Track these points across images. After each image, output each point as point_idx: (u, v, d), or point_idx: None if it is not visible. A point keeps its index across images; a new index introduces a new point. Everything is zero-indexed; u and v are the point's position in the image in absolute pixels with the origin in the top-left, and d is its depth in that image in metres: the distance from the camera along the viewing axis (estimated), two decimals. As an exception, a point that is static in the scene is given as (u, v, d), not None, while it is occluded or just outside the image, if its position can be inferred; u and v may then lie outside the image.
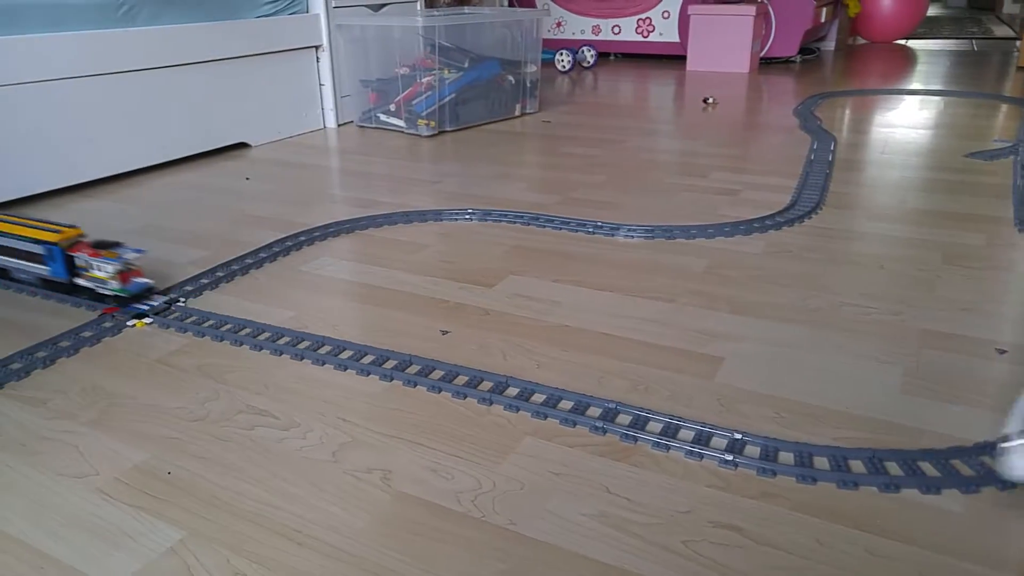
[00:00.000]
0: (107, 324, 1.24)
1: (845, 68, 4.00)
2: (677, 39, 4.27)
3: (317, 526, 0.79)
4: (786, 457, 0.86)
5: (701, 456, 0.87)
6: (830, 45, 4.88)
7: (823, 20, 4.27)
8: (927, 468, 0.84)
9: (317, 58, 2.72)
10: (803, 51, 4.34)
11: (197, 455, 0.91)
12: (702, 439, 0.89)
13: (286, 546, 0.76)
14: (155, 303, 1.30)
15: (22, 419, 0.99)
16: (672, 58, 4.45)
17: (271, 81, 2.56)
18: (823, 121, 2.68)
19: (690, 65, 4.12)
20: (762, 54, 4.16)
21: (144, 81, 2.16)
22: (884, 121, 2.68)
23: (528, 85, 2.95)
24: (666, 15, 4.26)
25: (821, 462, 0.85)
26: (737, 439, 0.89)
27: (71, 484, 0.86)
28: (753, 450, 0.88)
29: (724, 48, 3.98)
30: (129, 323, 1.25)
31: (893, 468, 0.84)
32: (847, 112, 2.87)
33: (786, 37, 4.08)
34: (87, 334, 1.21)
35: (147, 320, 1.26)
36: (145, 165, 2.23)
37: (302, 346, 1.15)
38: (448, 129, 2.69)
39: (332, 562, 0.74)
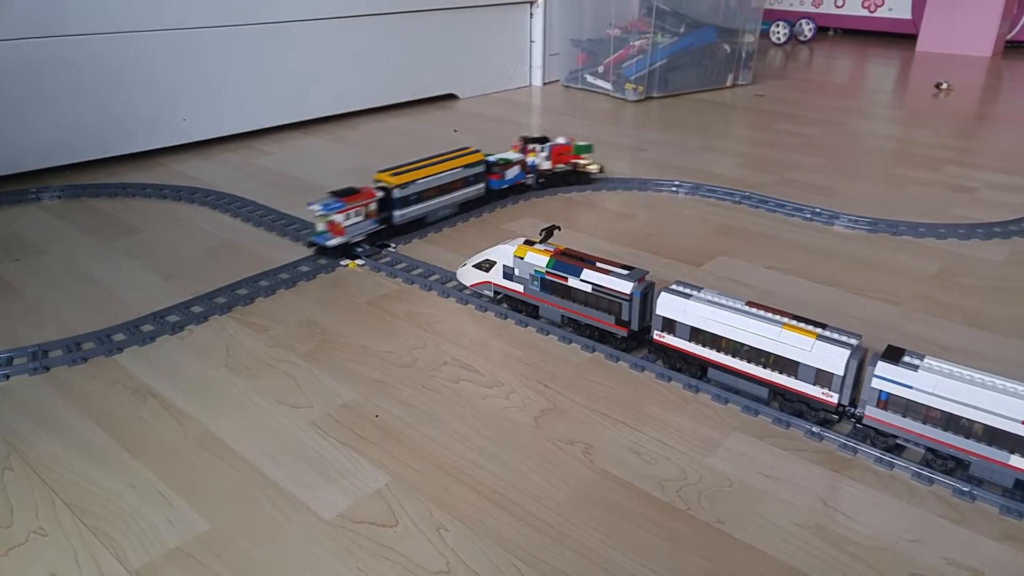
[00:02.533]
0: (322, 261, 1.30)
1: (1106, 59, 3.55)
2: (909, 15, 3.94)
3: (519, 491, 0.79)
4: (1032, 497, 0.77)
5: (931, 480, 0.80)
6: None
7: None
8: None
9: (531, 14, 2.71)
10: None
11: (404, 401, 0.93)
12: (931, 461, 0.82)
13: (487, 507, 0.77)
14: (368, 245, 1.34)
15: (248, 344, 1.06)
16: (900, 36, 4.11)
17: (484, 34, 2.59)
18: (1080, 117, 2.39)
19: (921, 45, 3.79)
20: (1009, 36, 3.76)
21: (365, 27, 2.24)
22: None
23: (743, 56, 2.82)
24: (899, -12, 3.94)
25: (1076, 508, 0.76)
26: (973, 468, 0.81)
27: (289, 413, 0.91)
28: (994, 485, 0.79)
29: (965, 27, 3.63)
30: (342, 263, 1.30)
31: None
32: (1108, 110, 2.55)
33: (1040, 19, 3.67)
34: (304, 268, 1.27)
35: (359, 262, 1.30)
36: (361, 108, 2.31)
37: (506, 305, 1.15)
38: (655, 95, 2.62)
39: (532, 530, 0.74)
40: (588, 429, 0.88)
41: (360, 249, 1.33)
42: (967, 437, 0.78)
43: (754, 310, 0.92)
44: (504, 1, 2.59)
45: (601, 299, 1.02)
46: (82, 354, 1.01)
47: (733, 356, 0.92)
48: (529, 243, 1.11)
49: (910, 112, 2.53)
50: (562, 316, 1.08)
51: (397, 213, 1.37)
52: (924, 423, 0.80)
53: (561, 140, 1.62)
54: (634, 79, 2.56)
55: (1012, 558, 0.71)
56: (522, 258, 1.09)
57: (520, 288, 1.10)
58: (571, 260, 1.06)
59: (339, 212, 1.27)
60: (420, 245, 1.39)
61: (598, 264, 1.04)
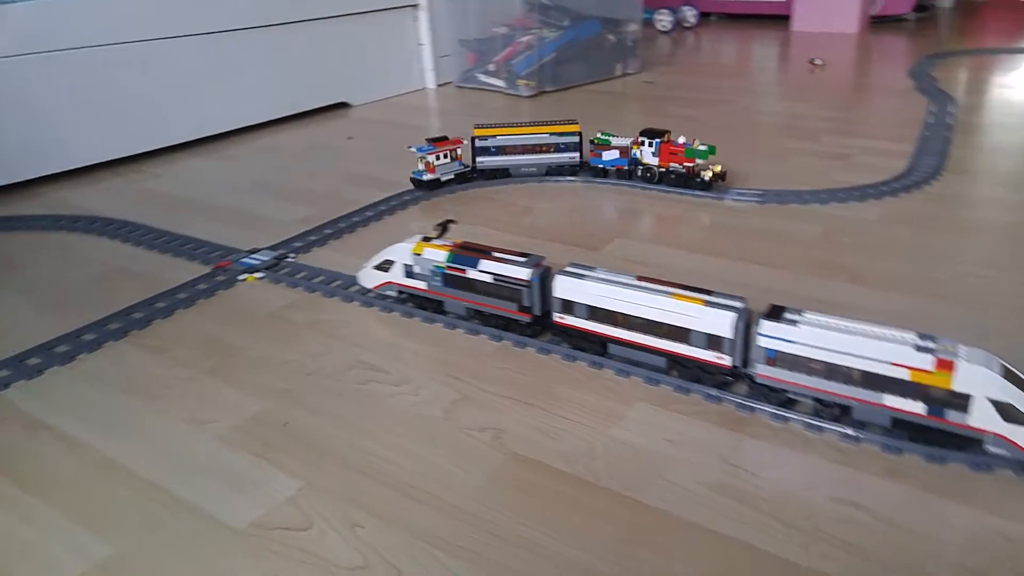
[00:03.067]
0: (220, 278, 1.27)
1: (964, 26, 3.78)
2: (783, -3, 4.10)
3: (432, 482, 0.79)
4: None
5: (821, 429, 0.84)
6: (946, 2, 4.61)
7: (942, -25, 4.02)
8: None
9: (415, 17, 2.72)
10: (918, 8, 4.10)
11: (312, 408, 0.93)
12: (819, 412, 0.86)
13: (401, 501, 0.77)
14: (265, 258, 1.33)
15: (147, 366, 1.03)
16: (776, 18, 4.27)
17: (371, 41, 2.58)
18: (940, 82, 2.53)
19: (796, 25, 3.96)
20: (873, 13, 3.96)
21: (249, 40, 2.20)
22: (1008, 82, 2.52)
23: (629, 45, 2.88)
24: (772, -28, 4.10)
25: (952, 441, 0.81)
26: (860, 413, 0.86)
27: (194, 431, 0.89)
28: (874, 425, 0.84)
29: (833, 7, 3.80)
30: (240, 277, 1.28)
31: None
32: (967, 73, 2.71)
33: (901, -7, 3.87)
34: (202, 287, 1.24)
35: (258, 275, 1.29)
36: (251, 123, 2.28)
37: (411, 304, 1.15)
38: (548, 89, 2.66)
39: (448, 519, 0.74)
40: (498, 415, 0.90)
41: (258, 262, 1.31)
42: (847, 383, 0.82)
43: (645, 284, 0.95)
44: (387, 6, 2.59)
45: (502, 288, 1.04)
46: (-32, 394, 0.97)
47: (629, 330, 0.95)
48: (427, 239, 1.12)
49: (789, 88, 2.64)
50: (467, 309, 1.09)
51: (479, 160, 1.68)
52: (809, 375, 0.84)
53: (681, 140, 1.58)
54: (525, 75, 2.59)
55: (893, 490, 0.76)
56: (421, 255, 1.10)
57: (423, 285, 1.11)
58: (469, 252, 1.07)
59: (431, 154, 1.60)
60: (320, 252, 1.38)
61: (495, 254, 1.05)
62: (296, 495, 0.79)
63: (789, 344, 0.84)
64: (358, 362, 1.02)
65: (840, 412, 0.84)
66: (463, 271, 1.07)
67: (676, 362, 0.94)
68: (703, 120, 2.20)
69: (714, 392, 0.90)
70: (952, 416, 0.78)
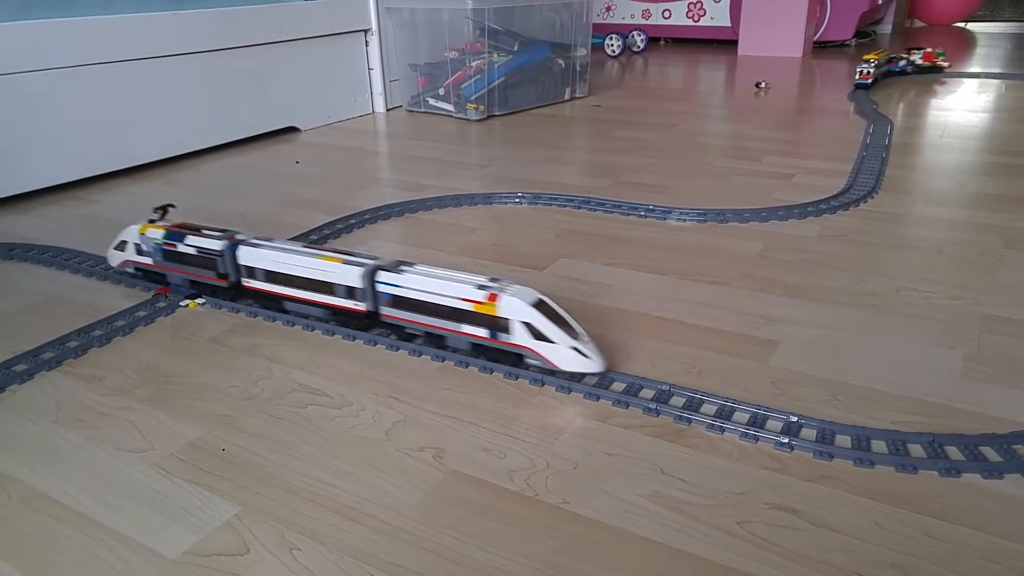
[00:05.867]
0: (160, 304, 1.26)
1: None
2: (728, 23, 4.20)
3: (371, 503, 0.79)
4: (843, 440, 0.84)
5: (756, 438, 0.85)
6: (887, 28, 4.77)
7: (880, 2, 4.16)
8: (989, 453, 0.82)
9: (366, 42, 2.73)
10: (859, 34, 4.23)
11: (251, 432, 0.92)
12: (757, 421, 0.88)
13: (340, 522, 0.77)
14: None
15: (80, 395, 1.01)
16: (723, 43, 4.37)
17: (320, 65, 2.58)
18: (879, 105, 2.61)
19: (741, 50, 4.05)
20: (816, 38, 4.07)
21: (194, 64, 2.19)
22: (943, 105, 2.61)
23: (578, 69, 2.93)
24: (717, -1, 4.20)
25: (879, 446, 0.83)
26: (793, 422, 0.87)
27: (129, 459, 0.88)
28: (809, 433, 0.86)
29: (777, 32, 3.91)
30: (182, 303, 1.26)
31: (954, 452, 0.82)
32: (904, 96, 2.79)
33: (842, 20, 3.99)
34: (141, 313, 1.23)
35: (199, 300, 1.27)
36: (196, 149, 2.26)
37: (354, 326, 1.15)
38: (497, 113, 2.68)
39: (386, 538, 0.74)
40: (438, 434, 0.90)
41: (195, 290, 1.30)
42: (440, 317, 1.03)
43: (306, 248, 1.15)
44: (338, 31, 2.60)
45: (203, 258, 1.22)
46: None
47: (296, 288, 1.15)
48: (151, 221, 1.29)
49: (734, 110, 2.70)
50: (182, 279, 1.27)
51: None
52: (415, 313, 1.05)
53: (928, 49, 3.14)
54: (474, 99, 2.61)
55: (824, 494, 0.77)
56: (145, 234, 1.27)
57: (150, 260, 1.29)
58: (179, 230, 1.25)
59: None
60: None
61: (202, 231, 1.24)
62: (233, 520, 0.78)
63: (398, 288, 1.05)
64: (299, 386, 1.01)
65: (440, 340, 1.05)
66: (175, 246, 1.25)
67: (339, 313, 1.13)
68: (649, 142, 2.24)
69: (652, 406, 0.91)
70: (503, 337, 0.98)
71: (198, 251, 1.21)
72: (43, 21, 1.83)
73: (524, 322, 0.96)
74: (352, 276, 1.08)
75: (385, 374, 1.03)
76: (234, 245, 1.19)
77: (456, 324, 1.01)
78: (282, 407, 0.97)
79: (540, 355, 0.96)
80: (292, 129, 2.55)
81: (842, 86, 3.04)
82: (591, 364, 0.95)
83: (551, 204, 1.70)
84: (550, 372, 0.99)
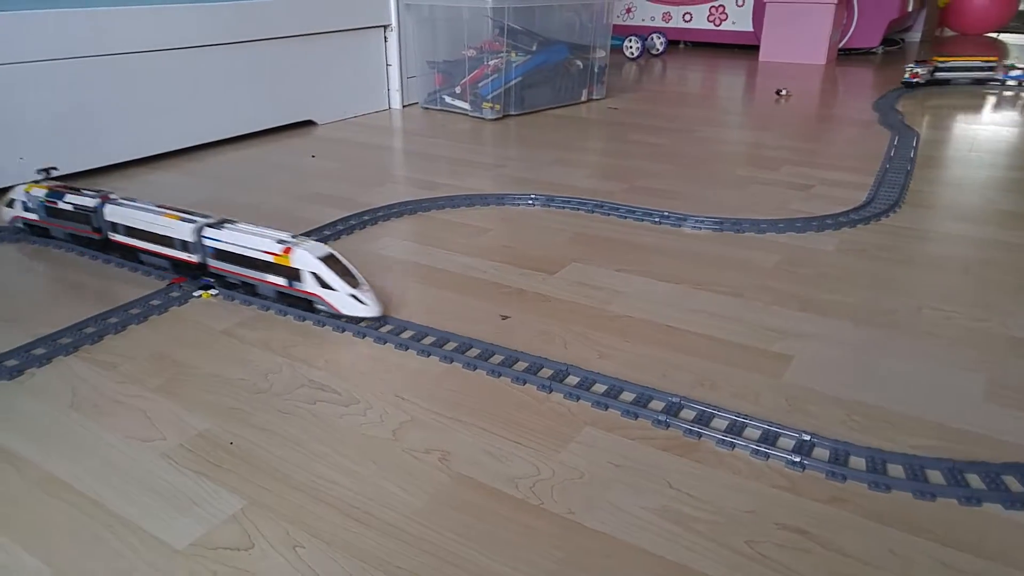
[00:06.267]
0: (174, 294, 1.26)
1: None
2: (751, 28, 4.18)
3: (375, 503, 0.79)
4: (857, 462, 0.83)
5: (767, 456, 0.85)
6: (916, 36, 4.72)
7: (910, 9, 4.11)
8: (1011, 482, 0.80)
9: (385, 38, 2.73)
10: (886, 42, 4.19)
11: (259, 426, 0.92)
12: (769, 438, 0.87)
13: (344, 522, 0.76)
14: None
15: (95, 382, 1.02)
16: (744, 48, 4.35)
17: (339, 60, 2.58)
18: (905, 116, 2.59)
19: (763, 55, 4.03)
20: (841, 45, 4.04)
21: (213, 57, 2.19)
22: (972, 118, 2.58)
23: (596, 71, 2.91)
24: (740, 3, 4.18)
25: (896, 470, 0.82)
26: (805, 440, 0.86)
27: (139, 447, 0.88)
28: (822, 453, 0.85)
29: (801, 38, 3.88)
30: (195, 294, 1.27)
31: (974, 480, 0.80)
32: (932, 107, 2.77)
33: (869, 27, 3.95)
34: (156, 302, 1.23)
35: (213, 292, 1.27)
36: (213, 139, 2.26)
37: (364, 324, 1.15)
38: (513, 113, 2.67)
39: (390, 540, 0.74)
40: (445, 437, 0.89)
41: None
42: (252, 268, 1.19)
43: (156, 207, 1.29)
44: (358, 26, 2.60)
45: (80, 215, 1.37)
46: (-94, 407, 0.95)
47: (147, 242, 1.30)
48: (36, 182, 1.45)
49: (753, 117, 2.68)
50: (64, 233, 1.43)
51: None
52: (233, 264, 1.21)
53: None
54: (491, 98, 2.61)
55: (836, 517, 0.76)
56: (31, 192, 1.43)
57: (36, 216, 1.45)
58: (60, 188, 1.41)
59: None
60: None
61: (81, 191, 1.38)
62: (238, 514, 0.78)
63: (219, 243, 1.20)
64: (308, 381, 1.01)
65: (253, 289, 1.21)
66: (55, 203, 1.40)
67: (176, 264, 1.29)
68: (665, 147, 2.23)
69: (662, 418, 0.90)
70: (297, 285, 1.14)
71: (75, 207, 1.37)
72: (66, 10, 1.84)
73: (312, 272, 1.12)
74: (185, 231, 1.23)
75: (393, 373, 1.03)
76: (103, 203, 1.34)
77: (262, 274, 1.17)
78: (291, 402, 0.97)
79: (325, 300, 1.13)
80: (309, 123, 2.55)
81: (867, 94, 3.01)
82: (367, 310, 1.12)
83: (564, 207, 1.69)
84: (560, 379, 0.99)
